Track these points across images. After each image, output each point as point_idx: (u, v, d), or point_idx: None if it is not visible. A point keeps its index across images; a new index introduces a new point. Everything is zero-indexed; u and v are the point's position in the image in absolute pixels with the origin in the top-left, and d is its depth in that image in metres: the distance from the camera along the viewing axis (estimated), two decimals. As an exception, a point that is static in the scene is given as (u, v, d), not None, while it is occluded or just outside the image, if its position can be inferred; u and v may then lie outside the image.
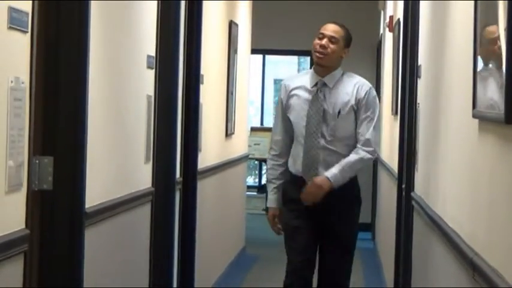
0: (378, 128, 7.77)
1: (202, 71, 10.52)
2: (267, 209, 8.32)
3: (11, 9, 4.72)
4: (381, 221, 15.48)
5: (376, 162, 16.99)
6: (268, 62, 23.82)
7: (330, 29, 7.52)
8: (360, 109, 7.50)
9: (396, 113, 11.61)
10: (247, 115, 16.92)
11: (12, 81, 4.76)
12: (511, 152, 3.98)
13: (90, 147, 5.58)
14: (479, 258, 4.60)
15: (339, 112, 7.45)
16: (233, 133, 13.76)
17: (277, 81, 25.32)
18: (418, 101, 8.54)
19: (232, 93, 13.52)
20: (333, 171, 7.41)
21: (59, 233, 5.34)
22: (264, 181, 22.26)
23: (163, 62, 8.03)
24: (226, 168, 13.28)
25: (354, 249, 7.93)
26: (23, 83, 4.92)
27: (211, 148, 11.77)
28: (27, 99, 4.99)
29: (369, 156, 7.62)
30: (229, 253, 14.29)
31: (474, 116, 4.81)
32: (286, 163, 7.81)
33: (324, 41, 7.41)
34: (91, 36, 5.65)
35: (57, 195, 5.38)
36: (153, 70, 7.68)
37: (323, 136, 7.49)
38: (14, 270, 4.86)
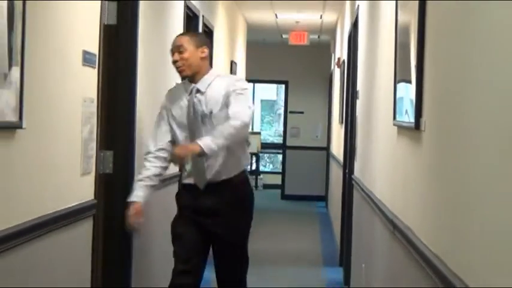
0: (248, 107, 5.40)
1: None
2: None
3: (85, 52, 4.71)
4: (331, 194, 15.46)
5: (328, 156, 17.06)
6: (257, 88, 23.86)
7: (176, 42, 5.48)
8: (229, 97, 5.37)
9: (342, 122, 11.62)
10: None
11: (85, 100, 4.76)
12: (418, 148, 3.97)
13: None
14: (397, 219, 4.59)
15: (211, 112, 5.36)
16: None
17: (263, 101, 25.33)
18: (357, 114, 8.52)
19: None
20: (204, 139, 5.14)
21: (116, 202, 5.35)
22: (254, 168, 22.23)
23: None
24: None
25: (246, 258, 5.74)
26: (92, 101, 4.91)
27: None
28: (95, 112, 4.96)
29: (238, 122, 5.22)
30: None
31: (394, 125, 4.79)
32: (161, 168, 5.50)
33: (175, 55, 5.38)
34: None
35: (115, 177, 5.46)
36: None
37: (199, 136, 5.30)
38: (87, 227, 4.86)
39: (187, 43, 5.42)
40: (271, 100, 25.44)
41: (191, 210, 5.46)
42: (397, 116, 4.68)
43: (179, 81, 5.98)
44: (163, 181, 5.95)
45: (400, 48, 4.65)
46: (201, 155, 5.12)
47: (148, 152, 5.47)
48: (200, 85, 5.45)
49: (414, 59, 4.02)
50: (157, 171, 5.46)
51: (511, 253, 2.28)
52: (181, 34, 5.82)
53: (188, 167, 5.39)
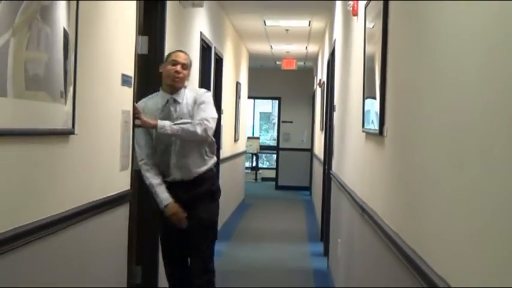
0: (211, 118, 5.02)
1: (222, 108, 10.52)
2: (157, 210, 5.16)
3: (123, 75, 4.69)
4: (314, 185, 15.43)
5: (312, 155, 17.04)
6: (256, 103, 23.82)
7: (182, 57, 5.08)
8: (199, 106, 5.00)
9: (322, 129, 11.60)
10: (245, 130, 16.88)
11: (123, 112, 4.72)
12: (382, 150, 3.96)
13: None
14: (365, 204, 4.58)
15: (181, 118, 4.97)
16: (238, 139, 13.75)
17: (261, 113, 25.24)
18: (334, 123, 8.51)
19: (237, 119, 13.50)
20: (165, 122, 4.91)
21: (147, 192, 5.32)
22: (254, 164, 22.23)
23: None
24: (235, 157, 13.25)
25: (214, 238, 5.21)
26: (128, 113, 4.87)
27: (227, 147, 11.75)
28: (130, 121, 4.92)
29: (199, 127, 4.91)
30: (237, 201, 14.30)
31: (363, 131, 4.78)
32: (156, 165, 5.06)
33: (178, 67, 5.01)
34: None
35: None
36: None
37: (174, 143, 5.00)
38: (124, 211, 4.81)
39: (189, 63, 5.15)
40: (267, 112, 25.33)
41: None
42: (365, 124, 4.67)
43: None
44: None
45: (367, 72, 4.64)
46: (154, 128, 4.90)
47: (148, 162, 5.03)
48: (177, 96, 5.04)
49: (378, 80, 4.02)
50: (159, 174, 5.05)
51: (452, 228, 2.29)
52: (183, 52, 5.22)
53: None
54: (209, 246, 5.15)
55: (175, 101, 5.05)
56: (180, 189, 5.04)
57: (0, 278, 2.80)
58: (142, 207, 5.35)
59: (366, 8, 4.82)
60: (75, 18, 3.55)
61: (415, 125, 2.98)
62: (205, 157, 5.13)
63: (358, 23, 5.57)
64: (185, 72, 5.08)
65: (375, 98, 4.16)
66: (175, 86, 5.06)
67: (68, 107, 3.50)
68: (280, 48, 15.19)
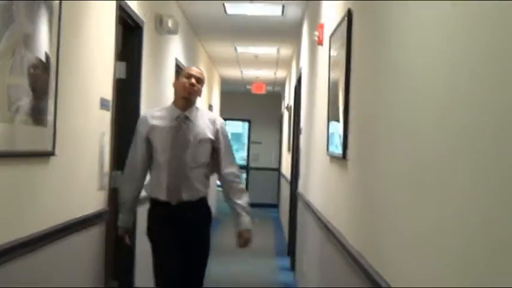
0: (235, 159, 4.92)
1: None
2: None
3: (102, 99, 4.67)
4: (282, 203, 15.44)
5: (280, 175, 17.05)
6: (228, 124, 23.75)
7: (197, 71, 4.78)
8: (220, 141, 4.77)
9: (289, 150, 11.61)
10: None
11: (101, 134, 4.69)
12: (345, 173, 3.98)
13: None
14: (329, 223, 4.59)
15: (200, 141, 4.63)
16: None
17: (232, 133, 25.25)
18: (300, 145, 8.54)
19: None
20: (245, 221, 4.91)
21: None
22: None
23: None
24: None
25: (207, 258, 4.84)
26: (106, 135, 4.84)
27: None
28: (108, 142, 4.89)
29: (247, 195, 4.95)
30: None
31: (328, 155, 4.80)
32: (139, 188, 4.75)
33: (193, 80, 4.66)
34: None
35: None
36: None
37: (186, 163, 4.59)
38: (100, 228, 4.76)
39: (203, 78, 4.81)
40: (238, 133, 25.35)
41: (166, 225, 4.62)
42: (329, 148, 4.68)
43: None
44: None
45: (332, 97, 4.66)
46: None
47: (127, 178, 4.75)
48: (189, 113, 4.67)
49: (341, 105, 4.03)
50: (136, 195, 4.77)
51: (409, 245, 2.30)
52: (199, 68, 4.97)
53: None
54: (205, 265, 4.86)
55: (187, 118, 4.68)
56: (186, 210, 4.62)
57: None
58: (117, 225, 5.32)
59: (330, 38, 4.85)
60: (57, 43, 3.53)
61: (376, 149, 3.00)
62: (207, 180, 4.79)
63: (323, 51, 5.60)
64: (200, 86, 4.76)
65: (338, 120, 4.18)
66: (190, 99, 4.70)
67: (49, 129, 3.47)
68: (250, 73, 15.22)
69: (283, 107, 16.34)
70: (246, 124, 21.16)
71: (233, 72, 15.35)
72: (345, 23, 3.98)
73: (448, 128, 1.91)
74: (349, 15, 3.90)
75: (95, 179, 4.60)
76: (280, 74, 15.11)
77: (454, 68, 1.89)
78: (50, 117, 3.47)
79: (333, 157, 4.54)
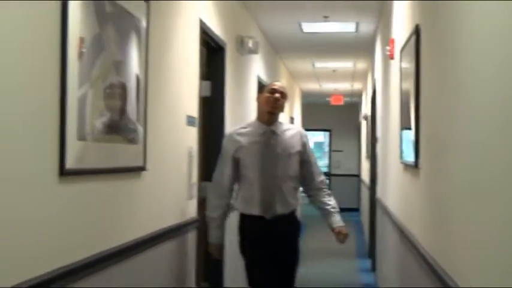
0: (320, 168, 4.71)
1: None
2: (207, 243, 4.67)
3: (188, 116, 4.73)
4: (362, 207, 15.36)
5: (359, 180, 16.94)
6: (310, 134, 23.73)
7: (280, 85, 4.54)
8: (305, 152, 4.51)
9: (368, 158, 11.54)
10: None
11: (189, 149, 4.76)
12: (417, 180, 3.93)
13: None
14: (404, 226, 4.54)
15: (290, 155, 4.43)
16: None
17: (315, 142, 25.22)
18: (377, 153, 8.47)
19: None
20: (338, 219, 4.57)
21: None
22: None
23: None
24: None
25: (298, 262, 4.57)
26: (193, 149, 4.90)
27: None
28: (196, 155, 4.95)
29: (327, 189, 4.71)
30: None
31: (401, 163, 4.75)
32: (228, 204, 4.54)
33: (277, 95, 4.44)
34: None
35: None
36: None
37: (277, 177, 4.38)
38: (193, 234, 4.84)
39: (286, 93, 4.57)
40: (320, 142, 25.28)
41: (261, 237, 4.39)
42: (402, 156, 4.64)
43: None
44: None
45: (404, 106, 4.62)
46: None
47: (215, 194, 4.54)
48: (275, 128, 4.46)
49: (413, 113, 4.00)
50: (225, 211, 4.56)
51: (478, 247, 2.26)
52: (281, 83, 4.72)
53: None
54: (296, 274, 4.57)
55: (274, 133, 4.47)
56: (280, 223, 4.39)
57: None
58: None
59: (401, 52, 4.81)
60: (145, 66, 3.62)
61: (444, 158, 2.96)
62: (296, 192, 4.58)
63: (394, 64, 5.56)
64: (284, 100, 4.52)
65: (410, 128, 4.14)
66: (274, 113, 4.48)
67: (140, 146, 3.55)
68: (328, 86, 15.18)
69: (360, 116, 16.23)
70: (327, 134, 21.12)
71: (312, 86, 15.34)
72: (414, 37, 3.95)
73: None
74: (417, 30, 3.87)
75: (184, 190, 4.66)
76: (357, 85, 15.03)
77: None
78: (140, 136, 3.55)
79: (406, 165, 4.49)
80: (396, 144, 5.11)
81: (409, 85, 4.23)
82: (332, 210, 4.59)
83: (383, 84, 7.37)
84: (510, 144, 1.88)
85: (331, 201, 4.62)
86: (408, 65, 4.33)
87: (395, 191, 5.55)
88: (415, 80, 3.89)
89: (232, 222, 4.84)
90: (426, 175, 3.59)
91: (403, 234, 4.56)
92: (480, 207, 2.23)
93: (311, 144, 4.89)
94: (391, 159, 5.85)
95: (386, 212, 6.23)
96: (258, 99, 4.65)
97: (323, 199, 4.63)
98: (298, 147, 4.49)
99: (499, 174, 1.99)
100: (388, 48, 5.86)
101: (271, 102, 4.48)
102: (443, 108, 3.01)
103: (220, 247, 4.61)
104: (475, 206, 2.30)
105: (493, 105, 2.08)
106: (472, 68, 2.41)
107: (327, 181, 21.72)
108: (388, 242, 6.29)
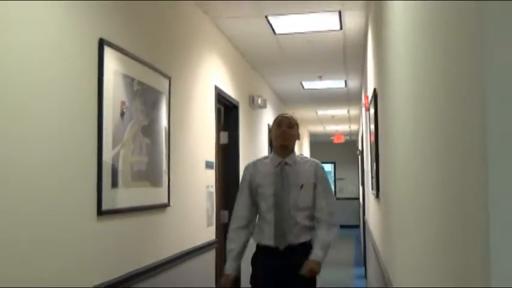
0: (333, 198, 3.65)
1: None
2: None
3: (207, 161, 4.77)
4: (362, 224, 15.22)
5: (359, 202, 16.94)
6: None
7: (285, 116, 3.70)
8: (319, 184, 3.59)
9: (362, 184, 11.51)
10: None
11: (207, 187, 4.78)
12: (378, 206, 4.00)
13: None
14: (375, 241, 4.61)
15: (302, 186, 3.56)
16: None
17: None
18: (365, 181, 8.51)
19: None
20: (316, 252, 3.46)
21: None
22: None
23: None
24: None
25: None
26: (212, 186, 4.92)
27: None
28: (213, 192, 4.96)
29: (336, 230, 3.60)
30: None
31: (372, 192, 4.81)
32: (246, 235, 3.61)
33: (284, 127, 3.62)
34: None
35: (228, 225, 5.44)
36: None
37: (290, 207, 3.53)
38: (211, 255, 4.83)
39: (294, 121, 3.70)
40: (327, 171, 25.28)
41: (273, 268, 3.50)
42: (371, 186, 4.72)
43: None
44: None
45: (372, 144, 4.68)
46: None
47: (234, 226, 3.64)
48: (288, 159, 3.62)
49: (374, 151, 4.12)
50: (243, 242, 3.60)
51: (407, 257, 2.38)
52: (288, 114, 3.79)
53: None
54: None
55: (287, 164, 3.64)
56: (293, 253, 3.51)
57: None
58: (224, 253, 5.42)
59: (369, 105, 4.95)
60: (167, 127, 3.77)
61: (389, 188, 3.05)
62: (311, 222, 3.61)
63: (368, 114, 5.70)
64: (292, 131, 3.69)
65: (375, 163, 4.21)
66: (286, 145, 3.67)
67: (164, 188, 3.69)
68: (331, 128, 15.30)
69: (357, 151, 16.26)
70: (332, 165, 21.19)
71: (318, 128, 15.48)
72: (373, 97, 4.11)
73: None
74: (375, 91, 4.03)
75: (204, 219, 4.67)
76: (353, 127, 15.14)
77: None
78: (165, 179, 3.69)
79: (372, 194, 4.59)
80: (370, 176, 5.20)
81: (372, 126, 4.35)
82: (318, 242, 3.52)
83: (365, 127, 7.49)
84: (433, 175, 2.01)
85: (323, 234, 3.55)
86: (373, 116, 4.48)
87: (372, 213, 5.63)
88: (374, 127, 4.03)
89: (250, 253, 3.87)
90: (382, 203, 3.69)
91: (374, 245, 4.63)
92: (409, 226, 2.31)
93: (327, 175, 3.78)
94: (368, 187, 5.93)
95: (369, 229, 6.30)
96: (270, 135, 4.03)
97: (318, 230, 3.57)
98: (312, 179, 3.63)
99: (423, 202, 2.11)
100: (363, 102, 6.00)
101: (280, 136, 3.70)
102: (387, 150, 3.14)
103: (234, 278, 3.52)
104: (405, 224, 2.40)
105: (410, 148, 2.22)
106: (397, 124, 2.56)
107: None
108: (370, 253, 6.36)
